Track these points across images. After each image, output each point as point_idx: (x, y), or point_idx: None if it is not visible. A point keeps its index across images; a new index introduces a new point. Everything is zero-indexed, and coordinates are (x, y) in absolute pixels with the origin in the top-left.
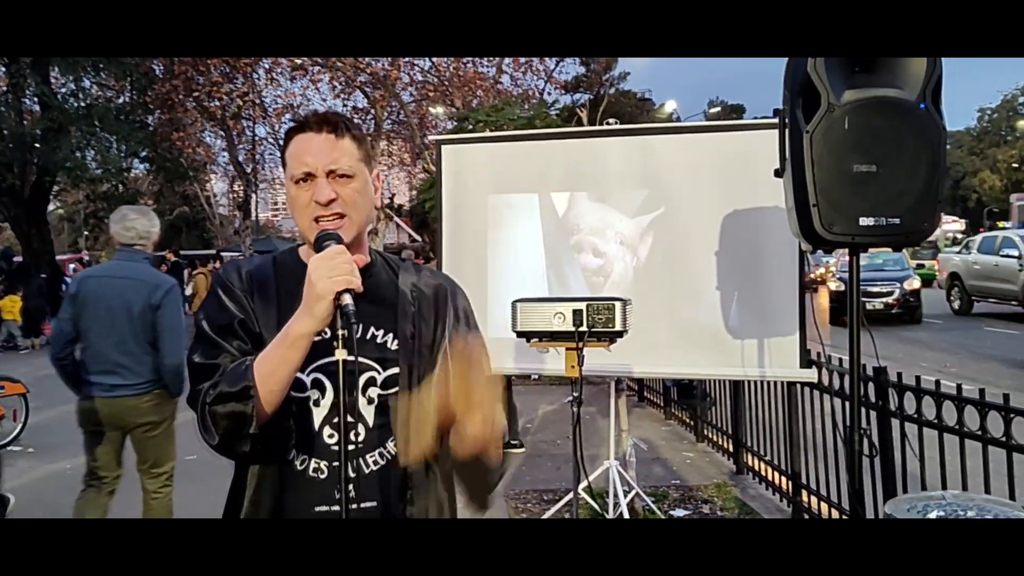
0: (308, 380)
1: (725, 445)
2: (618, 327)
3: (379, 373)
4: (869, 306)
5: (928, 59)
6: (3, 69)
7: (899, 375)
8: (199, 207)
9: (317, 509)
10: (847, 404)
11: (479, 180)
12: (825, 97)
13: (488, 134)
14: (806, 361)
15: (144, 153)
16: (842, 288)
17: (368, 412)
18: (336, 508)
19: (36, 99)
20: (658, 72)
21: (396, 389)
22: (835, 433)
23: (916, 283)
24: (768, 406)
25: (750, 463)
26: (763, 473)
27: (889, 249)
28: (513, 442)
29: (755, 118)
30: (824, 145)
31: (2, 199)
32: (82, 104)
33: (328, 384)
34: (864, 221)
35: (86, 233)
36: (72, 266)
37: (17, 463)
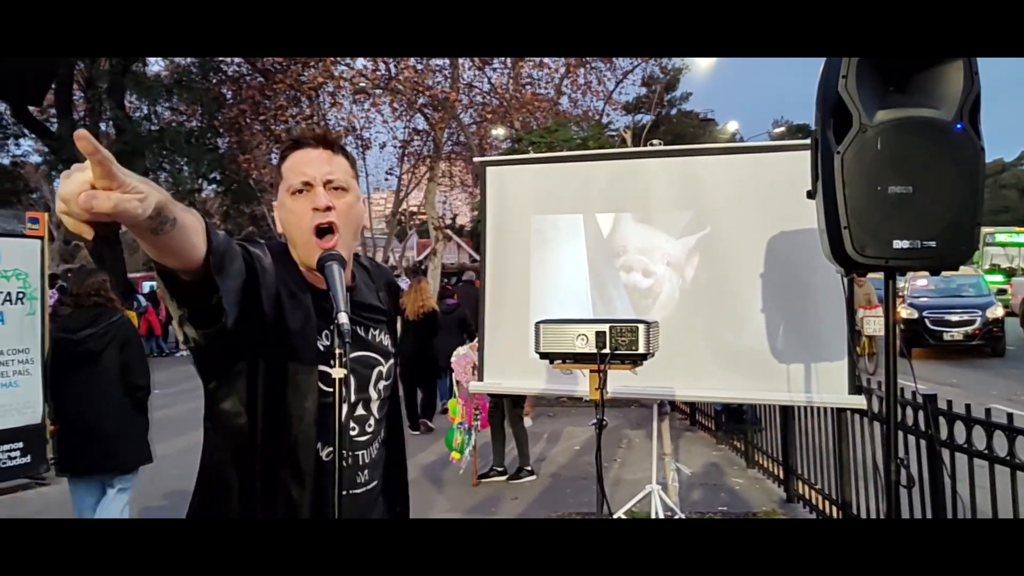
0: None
1: (776, 472)
2: (642, 349)
3: (383, 366)
4: (947, 336)
5: (965, 78)
6: (81, 95)
7: (949, 403)
8: (266, 227)
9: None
10: (898, 432)
11: (523, 201)
12: (857, 117)
13: (531, 155)
14: (855, 387)
15: (213, 175)
16: (914, 316)
17: (375, 407)
18: (357, 492)
19: (112, 123)
20: (721, 92)
21: (393, 379)
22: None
23: (999, 311)
24: (819, 433)
25: (801, 491)
26: (813, 502)
27: (971, 271)
28: (527, 468)
29: None
30: (856, 166)
31: None
32: (154, 128)
33: (352, 382)
34: (898, 244)
35: None
36: (150, 284)
37: None
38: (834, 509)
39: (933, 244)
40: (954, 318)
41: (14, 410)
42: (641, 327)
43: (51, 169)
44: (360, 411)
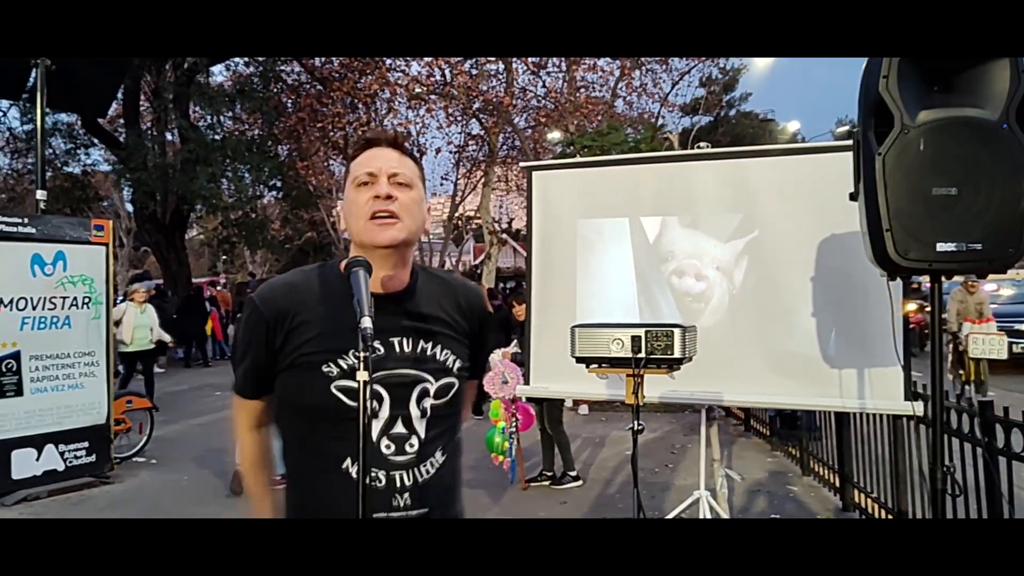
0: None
1: (831, 480)
2: (677, 354)
3: (431, 384)
4: (1017, 348)
5: (1012, 77)
6: (148, 106)
7: (1005, 410)
8: (324, 232)
9: (375, 516)
10: (955, 440)
11: (569, 205)
12: (898, 118)
13: (577, 159)
14: (911, 393)
15: (273, 182)
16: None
17: (421, 425)
18: (394, 515)
19: (177, 132)
20: (782, 91)
21: (449, 397)
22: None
23: None
24: (875, 440)
25: (857, 500)
26: (870, 511)
27: None
28: (571, 473)
29: None
30: (897, 168)
31: (145, 226)
32: (218, 137)
33: (385, 395)
34: (942, 247)
35: (223, 257)
36: (218, 286)
37: (140, 473)
38: (890, 519)
39: (979, 246)
40: None
41: (80, 411)
42: (676, 331)
43: (119, 177)
44: (399, 428)
